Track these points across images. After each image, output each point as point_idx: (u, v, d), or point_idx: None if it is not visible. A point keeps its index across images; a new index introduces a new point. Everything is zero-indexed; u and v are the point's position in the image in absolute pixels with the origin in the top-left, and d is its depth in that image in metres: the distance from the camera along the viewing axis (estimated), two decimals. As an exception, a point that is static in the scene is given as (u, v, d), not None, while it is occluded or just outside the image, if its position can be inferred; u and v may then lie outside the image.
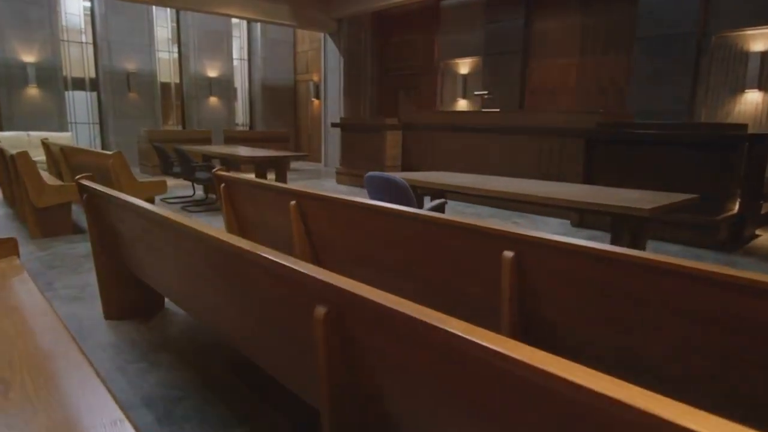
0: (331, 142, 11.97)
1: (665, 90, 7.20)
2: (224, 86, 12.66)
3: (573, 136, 5.83)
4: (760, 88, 6.59)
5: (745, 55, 6.72)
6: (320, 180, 9.69)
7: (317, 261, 2.60)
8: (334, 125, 9.06)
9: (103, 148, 11.18)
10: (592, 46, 8.28)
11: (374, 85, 11.89)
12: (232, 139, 10.93)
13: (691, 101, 7.11)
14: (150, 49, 11.44)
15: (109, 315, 2.78)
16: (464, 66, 10.16)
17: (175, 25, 12.20)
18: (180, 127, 12.52)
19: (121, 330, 2.65)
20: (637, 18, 7.45)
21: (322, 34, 11.81)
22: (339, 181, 9.01)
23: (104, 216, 2.65)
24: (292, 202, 2.55)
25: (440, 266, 1.91)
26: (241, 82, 13.66)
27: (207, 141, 10.23)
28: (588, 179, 5.39)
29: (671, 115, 6.98)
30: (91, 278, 3.44)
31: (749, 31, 6.68)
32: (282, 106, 13.86)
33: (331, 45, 11.62)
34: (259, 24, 13.05)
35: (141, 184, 4.93)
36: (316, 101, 13.22)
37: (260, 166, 5.99)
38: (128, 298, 2.80)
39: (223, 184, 3.18)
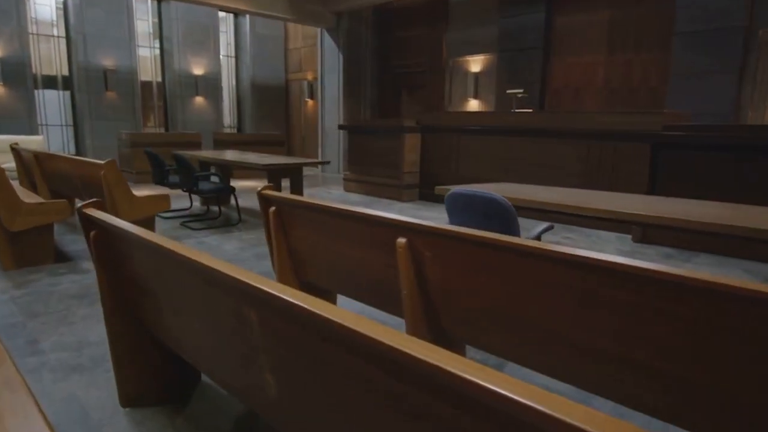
0: (329, 146, 11.16)
1: (708, 89, 6.64)
2: (211, 85, 11.71)
3: (632, 140, 5.19)
4: (816, 86, 6.09)
5: (799, 52, 6.21)
6: (323, 187, 8.87)
7: (435, 324, 1.84)
8: (341, 127, 8.28)
9: (77, 153, 10.12)
10: (621, 42, 7.69)
11: (375, 84, 11.12)
12: (222, 142, 10.03)
13: (736, 101, 6.57)
14: (129, 44, 10.43)
15: (126, 400, 1.96)
16: (476, 64, 9.49)
17: (156, 19, 11.20)
18: (162, 130, 11.53)
19: (149, 427, 1.84)
20: (675, 11, 6.89)
21: (318, 30, 11.00)
22: (347, 189, 8.21)
23: (120, 261, 1.83)
24: (401, 240, 1.78)
25: (695, 359, 1.17)
26: (227, 81, 12.72)
27: (196, 145, 9.29)
28: (653, 189, 4.75)
29: (718, 117, 6.42)
30: (90, 331, 2.61)
31: (803, 26, 6.18)
32: (272, 107, 12.97)
33: (329, 41, 10.81)
34: (247, 17, 12.16)
35: (140, 200, 4.06)
36: (310, 102, 12.38)
37: (274, 175, 5.16)
38: (153, 374, 1.98)
39: (272, 209, 2.39)
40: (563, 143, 5.84)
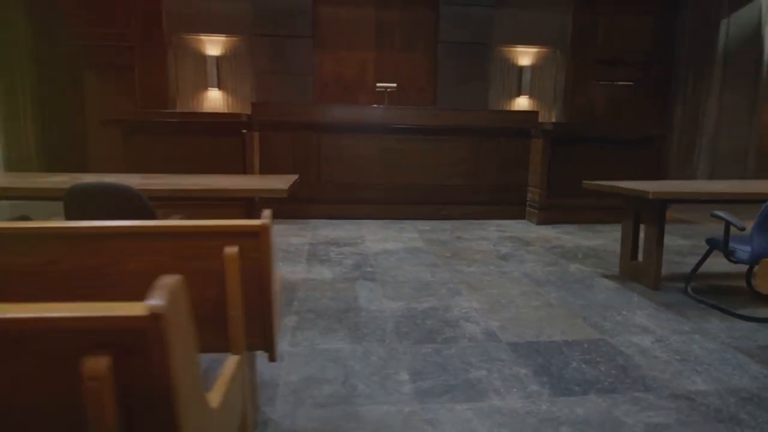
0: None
1: (469, 94, 7.83)
2: None
3: (520, 136, 5.64)
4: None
5: (519, 68, 8.14)
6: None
7: None
8: (106, 122, 5.13)
9: None
10: (389, 42, 7.94)
11: (36, 61, 7.23)
12: None
13: (485, 102, 8.03)
14: None
15: None
16: (215, 46, 7.68)
17: None
18: None
19: None
20: (439, 21, 7.70)
21: None
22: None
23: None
24: None
25: None
26: None
27: None
28: (549, 179, 5.41)
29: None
30: None
31: (520, 48, 8.14)
32: None
33: (-62, -25, 6.25)
34: None
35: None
36: None
37: (253, 208, 2.84)
38: None
39: None
40: (449, 141, 5.70)
